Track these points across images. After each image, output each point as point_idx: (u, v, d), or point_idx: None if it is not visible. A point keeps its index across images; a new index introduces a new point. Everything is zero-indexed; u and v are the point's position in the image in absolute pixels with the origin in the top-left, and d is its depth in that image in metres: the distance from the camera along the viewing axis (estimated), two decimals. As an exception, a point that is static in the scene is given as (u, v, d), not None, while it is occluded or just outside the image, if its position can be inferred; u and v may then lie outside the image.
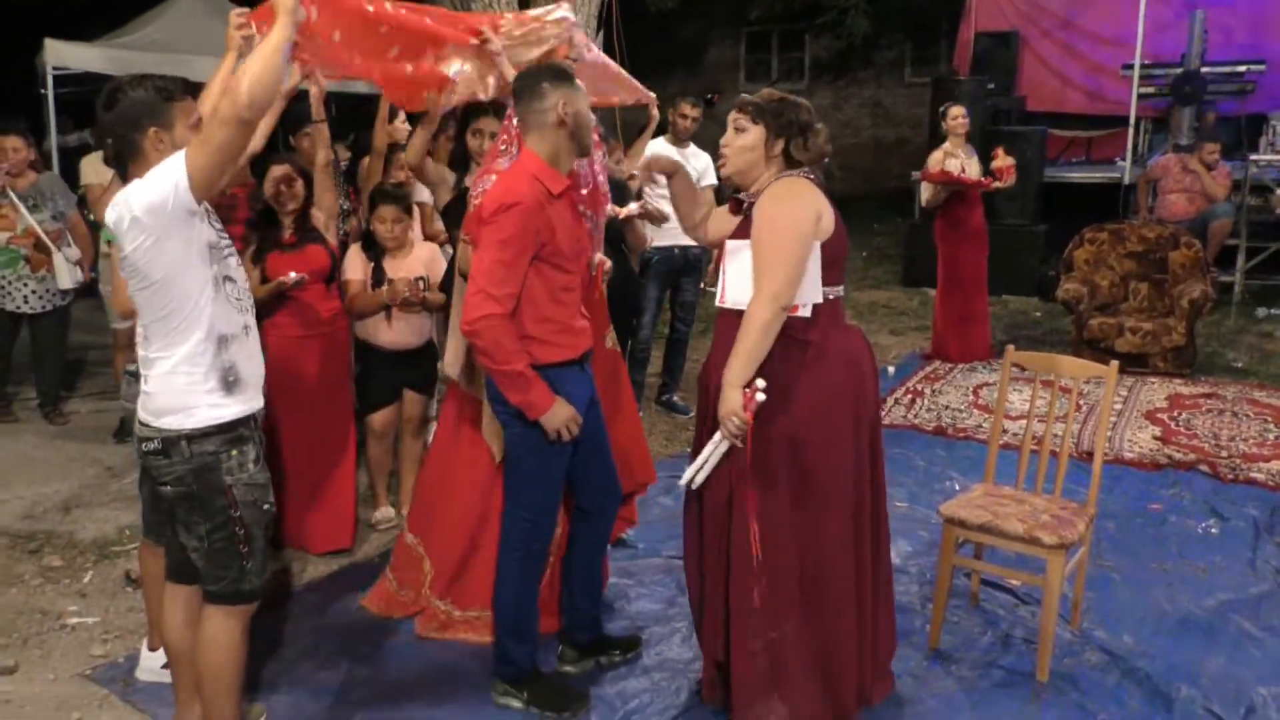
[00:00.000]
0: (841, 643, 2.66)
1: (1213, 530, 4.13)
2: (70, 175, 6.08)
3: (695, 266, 5.71)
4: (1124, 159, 9.45)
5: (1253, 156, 8.31)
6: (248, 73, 2.12)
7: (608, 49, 7.07)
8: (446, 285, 3.80)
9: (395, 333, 3.97)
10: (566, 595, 3.05)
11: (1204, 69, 9.31)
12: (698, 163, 5.57)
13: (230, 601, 2.44)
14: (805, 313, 2.56)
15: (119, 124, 2.30)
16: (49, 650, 3.22)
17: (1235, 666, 3.11)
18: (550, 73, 2.73)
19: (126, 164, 2.32)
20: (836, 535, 2.61)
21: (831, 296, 2.63)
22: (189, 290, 2.28)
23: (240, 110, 2.11)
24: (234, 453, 2.37)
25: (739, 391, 2.45)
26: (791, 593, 2.61)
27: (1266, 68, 9.29)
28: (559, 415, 2.63)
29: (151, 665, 3.00)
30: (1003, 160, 6.57)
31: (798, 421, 2.55)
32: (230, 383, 2.36)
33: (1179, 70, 9.37)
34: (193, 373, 2.31)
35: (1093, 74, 10.51)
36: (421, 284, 3.84)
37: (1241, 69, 9.35)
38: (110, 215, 2.26)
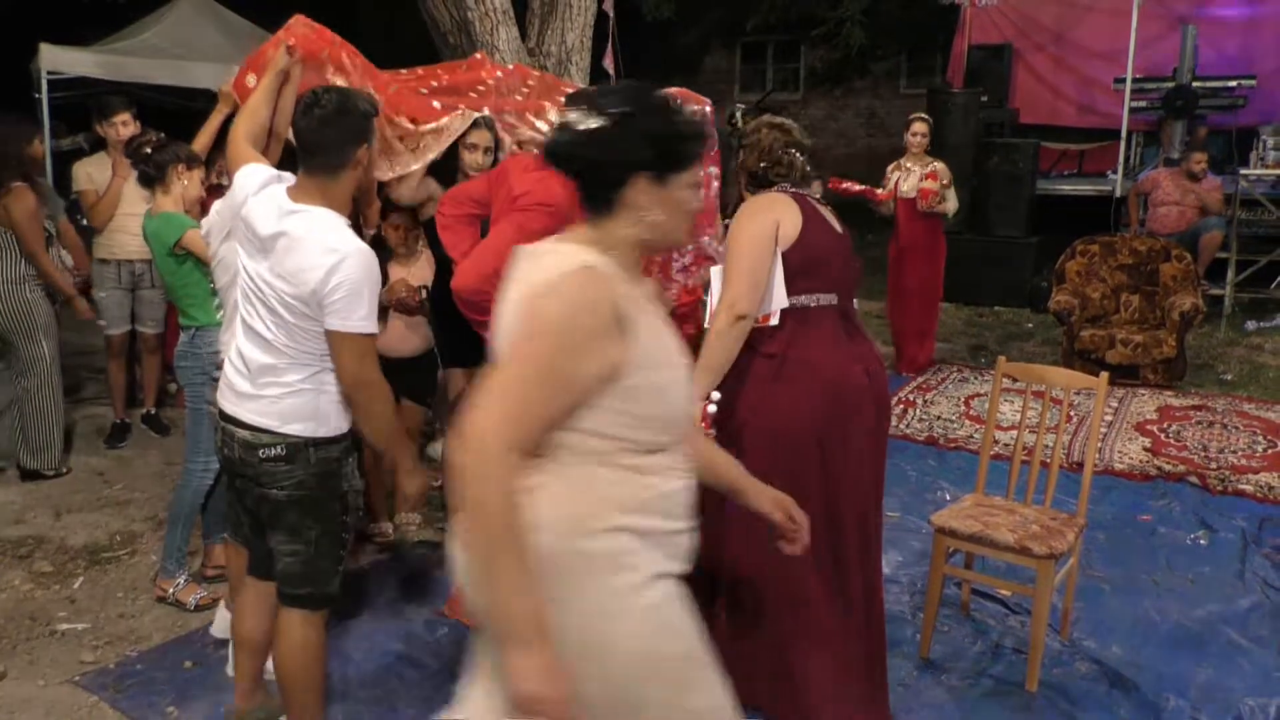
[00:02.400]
0: (811, 669, 2.64)
1: (1202, 541, 4.15)
2: (62, 180, 6.07)
3: None
4: (1115, 172, 9.50)
5: (1242, 171, 8.36)
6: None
7: (598, 65, 7.12)
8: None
9: (393, 339, 3.94)
10: None
11: (1195, 83, 9.36)
12: None
13: (315, 606, 2.49)
14: (775, 321, 2.64)
15: (340, 135, 2.32)
16: (38, 656, 3.22)
17: (1223, 677, 3.12)
18: None
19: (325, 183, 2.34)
20: (794, 558, 2.51)
21: (809, 304, 2.67)
22: None
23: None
24: (349, 460, 2.47)
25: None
26: (753, 606, 2.64)
27: (1257, 82, 9.36)
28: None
29: (225, 625, 3.16)
30: (925, 183, 6.38)
31: (754, 436, 2.59)
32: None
33: (1170, 84, 9.43)
34: (329, 384, 2.36)
35: (1085, 87, 10.56)
36: (423, 291, 3.83)
37: (1232, 83, 9.41)
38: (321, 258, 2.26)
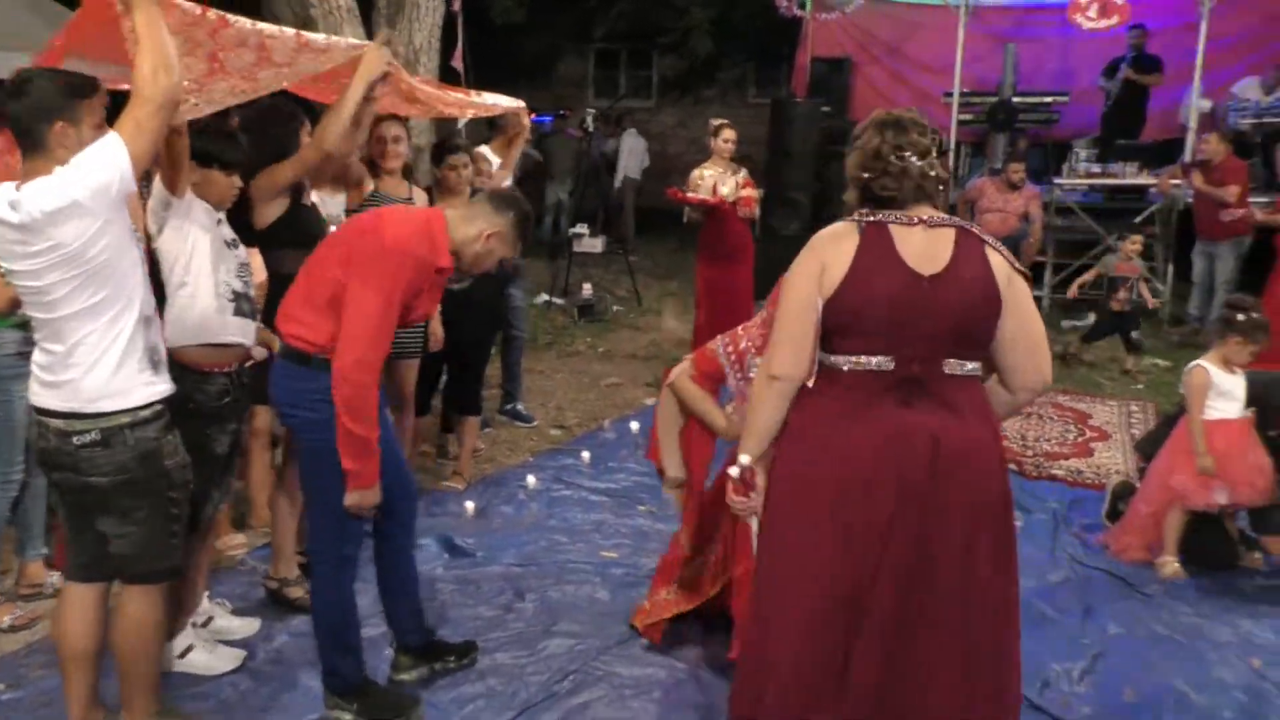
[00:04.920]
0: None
1: (1017, 523, 4.41)
2: None
3: (519, 274, 5.67)
4: (946, 181, 10.05)
5: (1057, 180, 8.98)
6: (150, 64, 2.28)
7: (446, 65, 7.07)
8: None
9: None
10: (387, 602, 3.04)
11: (1015, 98, 10.01)
12: None
13: (157, 580, 2.53)
14: (810, 382, 2.27)
15: (26, 114, 2.32)
16: None
17: (1034, 646, 3.30)
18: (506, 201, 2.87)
19: (25, 154, 2.34)
20: (796, 619, 2.26)
21: (841, 366, 2.23)
22: (126, 272, 2.38)
23: (169, 95, 2.31)
24: (170, 436, 2.50)
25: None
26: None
27: (1070, 99, 10.07)
28: (372, 497, 2.67)
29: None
30: (745, 191, 6.51)
31: (768, 504, 2.36)
32: (156, 362, 2.48)
33: (994, 99, 10.05)
34: (128, 355, 2.39)
35: (918, 100, 11.11)
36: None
37: (1048, 100, 10.11)
38: (15, 210, 2.24)
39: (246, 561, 3.87)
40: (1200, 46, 8.83)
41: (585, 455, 5.17)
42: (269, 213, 3.32)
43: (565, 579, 3.77)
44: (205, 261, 2.90)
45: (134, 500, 2.44)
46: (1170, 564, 3.95)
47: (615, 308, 9.13)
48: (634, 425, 5.67)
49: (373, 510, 2.71)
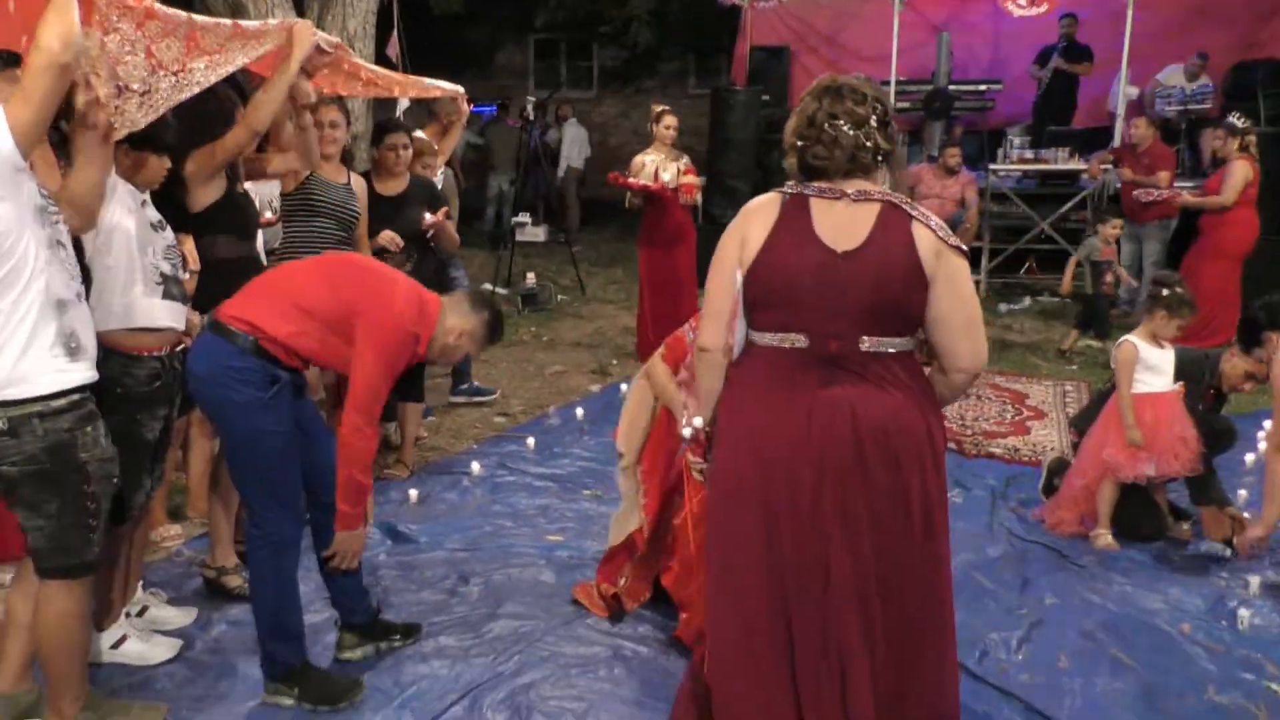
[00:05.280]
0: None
1: (956, 500, 4.51)
2: None
3: (457, 260, 5.68)
4: (884, 168, 10.17)
5: (991, 166, 9.14)
6: (48, 24, 2.15)
7: (383, 52, 6.98)
8: None
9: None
10: (330, 583, 3.01)
11: (950, 86, 10.15)
12: None
13: (72, 575, 2.43)
14: (734, 355, 2.27)
15: None
16: None
17: (973, 617, 3.41)
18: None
19: None
20: (734, 602, 2.27)
21: (764, 343, 2.20)
22: (26, 253, 2.25)
23: (56, 57, 2.15)
24: (89, 429, 2.38)
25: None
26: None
27: (1004, 87, 10.25)
28: (360, 538, 2.86)
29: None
30: (687, 178, 6.54)
31: (708, 483, 2.35)
32: (73, 349, 2.36)
33: (929, 87, 10.19)
34: (34, 339, 2.28)
35: (856, 89, 11.26)
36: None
37: (982, 88, 10.28)
38: None
39: (183, 552, 3.79)
40: (1127, 35, 9.05)
41: (530, 441, 5.15)
42: (205, 196, 3.26)
43: (510, 563, 3.75)
44: (131, 244, 2.82)
45: (44, 493, 2.34)
46: (1103, 536, 4.04)
47: (559, 297, 9.10)
48: (579, 411, 5.66)
49: (356, 559, 2.89)
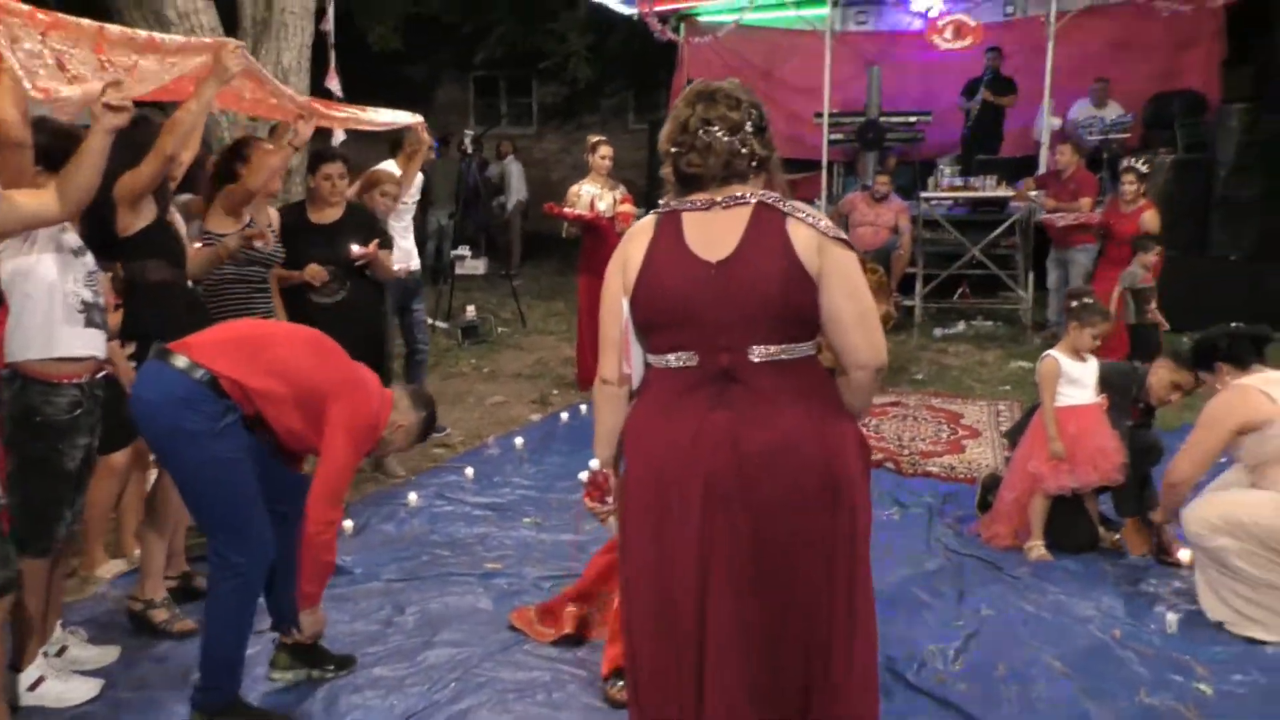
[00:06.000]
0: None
1: (894, 517, 4.57)
2: None
3: (419, 289, 5.72)
4: (820, 199, 10.35)
5: (923, 194, 9.34)
6: None
7: (319, 86, 6.95)
8: None
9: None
10: (272, 599, 2.95)
11: (882, 118, 10.39)
12: None
13: None
14: (634, 384, 2.20)
15: None
16: None
17: (911, 629, 3.45)
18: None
19: None
20: (641, 628, 2.20)
21: (658, 364, 2.13)
22: None
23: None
24: None
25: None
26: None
27: (933, 118, 10.51)
28: (321, 622, 2.96)
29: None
30: (623, 207, 6.68)
31: (620, 513, 2.25)
32: None
33: (862, 119, 10.41)
34: None
35: (791, 121, 11.41)
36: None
37: (913, 119, 10.53)
38: None
39: (109, 590, 3.67)
40: (1048, 68, 9.35)
41: (469, 471, 5.10)
42: (134, 221, 3.24)
43: (447, 591, 3.70)
44: (50, 270, 2.76)
45: None
46: (1037, 548, 4.11)
47: (500, 329, 9.07)
48: (519, 440, 5.63)
49: (319, 635, 3.00)
